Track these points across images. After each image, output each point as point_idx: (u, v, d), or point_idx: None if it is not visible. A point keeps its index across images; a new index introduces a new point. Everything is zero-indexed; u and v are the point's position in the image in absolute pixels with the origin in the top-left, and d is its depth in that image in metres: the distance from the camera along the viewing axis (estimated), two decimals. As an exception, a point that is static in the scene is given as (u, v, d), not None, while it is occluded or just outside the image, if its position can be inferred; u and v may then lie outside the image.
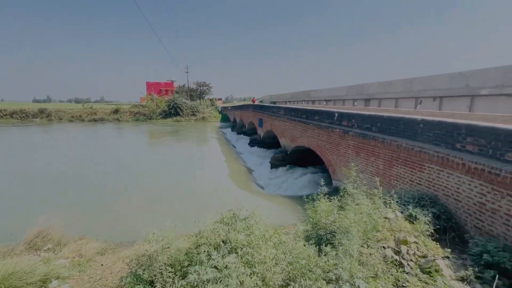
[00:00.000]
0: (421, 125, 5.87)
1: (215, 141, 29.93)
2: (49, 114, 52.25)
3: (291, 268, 2.95)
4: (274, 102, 48.71)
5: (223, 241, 3.16)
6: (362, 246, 3.33)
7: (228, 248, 3.03)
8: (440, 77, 15.20)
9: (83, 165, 17.32)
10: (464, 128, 4.81)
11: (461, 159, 4.61)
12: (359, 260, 3.10)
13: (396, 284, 3.01)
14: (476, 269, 3.31)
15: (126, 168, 16.64)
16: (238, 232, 3.30)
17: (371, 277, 2.95)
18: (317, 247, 3.31)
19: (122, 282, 3.43)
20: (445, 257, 3.53)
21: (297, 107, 15.92)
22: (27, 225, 6.11)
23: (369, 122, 7.85)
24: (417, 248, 3.51)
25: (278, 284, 2.78)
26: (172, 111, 52.58)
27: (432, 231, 3.86)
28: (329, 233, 3.61)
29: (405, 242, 3.49)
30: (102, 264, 4.81)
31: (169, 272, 2.91)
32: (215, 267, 2.73)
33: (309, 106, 21.71)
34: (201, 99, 71.07)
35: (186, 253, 3.16)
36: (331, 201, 4.28)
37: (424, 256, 3.40)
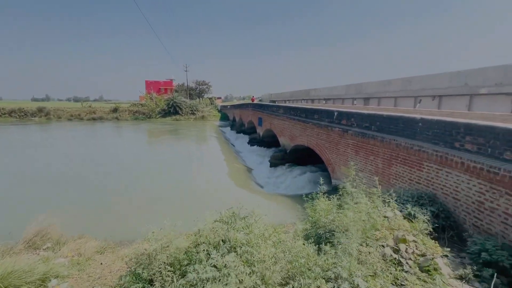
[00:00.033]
0: (420, 124, 5.88)
1: (214, 140, 29.91)
2: (48, 113, 52.11)
3: (290, 267, 2.95)
4: (274, 101, 48.69)
5: (222, 240, 3.16)
6: (361, 245, 3.33)
7: (228, 247, 3.03)
8: (439, 76, 15.21)
9: (82, 164, 17.29)
10: (463, 127, 4.82)
11: (460, 158, 4.62)
12: (358, 259, 3.11)
13: (395, 283, 3.02)
14: (475, 267, 3.33)
15: (125, 167, 16.62)
16: (237, 231, 3.30)
17: (370, 275, 2.96)
18: (317, 246, 3.32)
19: (122, 281, 3.43)
20: (443, 255, 3.55)
21: (297, 106, 15.91)
22: (26, 224, 6.11)
23: (368, 121, 7.85)
24: (416, 246, 3.52)
25: (278, 283, 2.79)
26: (172, 110, 52.51)
27: (431, 229, 3.87)
28: (328, 232, 3.62)
29: (404, 241, 3.50)
30: (101, 263, 4.81)
31: (168, 271, 2.91)
32: (215, 266, 2.73)
33: (309, 105, 21.72)
34: (201, 98, 71.03)
35: (186, 252, 3.17)
36: (330, 200, 4.29)
37: (423, 255, 3.41)
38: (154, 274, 2.90)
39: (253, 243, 3.11)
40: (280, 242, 3.41)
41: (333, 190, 8.12)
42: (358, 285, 2.73)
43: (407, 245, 3.47)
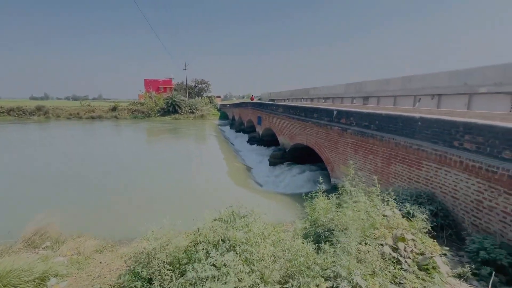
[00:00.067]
0: (419, 123, 5.88)
1: (213, 139, 29.89)
2: (46, 112, 51.94)
3: (289, 266, 2.96)
4: (273, 100, 48.64)
5: (222, 239, 3.16)
6: (360, 244, 3.34)
7: (227, 246, 3.03)
8: (438, 75, 15.20)
9: (81, 163, 17.27)
10: (462, 126, 4.82)
11: (459, 157, 4.63)
12: (357, 258, 3.12)
13: (394, 281, 3.03)
14: (473, 266, 3.34)
15: (125, 166, 16.60)
16: (236, 230, 3.30)
17: (369, 274, 2.97)
18: (316, 244, 3.33)
19: (121, 279, 3.43)
20: (442, 254, 3.56)
21: (296, 104, 15.92)
22: (25, 223, 6.10)
23: (368, 120, 7.86)
24: (415, 245, 3.53)
25: (277, 281, 2.79)
26: (171, 109, 52.41)
27: (430, 228, 3.88)
28: (327, 231, 3.63)
29: (403, 240, 3.51)
30: (100, 262, 4.81)
31: (167, 269, 2.91)
32: (214, 265, 2.74)
33: (308, 104, 21.72)
34: (200, 97, 70.92)
35: (185, 251, 3.16)
36: (329, 199, 4.30)
37: (422, 253, 3.42)
38: (153, 273, 2.90)
39: (252, 242, 3.11)
40: (280, 241, 3.41)
41: (332, 189, 8.13)
42: (357, 283, 2.73)
43: (406, 244, 3.48)
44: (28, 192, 11.44)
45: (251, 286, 2.63)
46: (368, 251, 3.23)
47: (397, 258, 3.33)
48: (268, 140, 21.07)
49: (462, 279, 3.23)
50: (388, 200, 4.21)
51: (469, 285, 3.14)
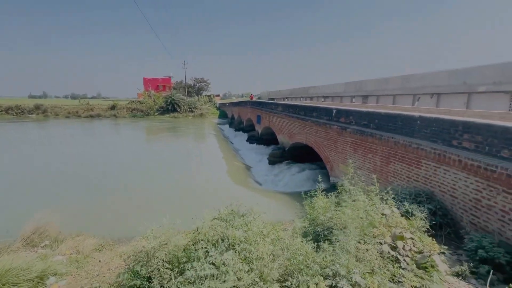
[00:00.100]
0: (418, 122, 5.89)
1: (213, 137, 29.87)
2: (45, 110, 51.76)
3: (288, 264, 2.96)
4: (272, 99, 48.61)
5: (221, 238, 3.16)
6: (359, 242, 3.35)
7: (226, 245, 3.03)
8: (437, 74, 15.22)
9: (80, 162, 17.22)
10: (461, 125, 4.83)
11: (458, 155, 4.64)
12: (356, 256, 3.12)
13: (392, 280, 3.04)
14: (471, 264, 3.36)
15: (124, 165, 16.58)
16: (236, 228, 3.30)
17: (367, 272, 2.97)
18: (315, 243, 3.33)
19: (120, 278, 3.43)
20: (441, 252, 3.57)
21: (295, 103, 15.90)
22: (24, 222, 6.08)
23: (367, 119, 7.86)
24: (413, 244, 3.54)
25: (276, 280, 2.80)
26: (170, 108, 52.30)
27: (428, 227, 3.89)
28: (326, 229, 3.63)
29: (402, 238, 3.52)
30: (99, 261, 4.80)
31: (166, 268, 2.91)
32: (213, 264, 2.74)
33: (307, 103, 21.72)
34: (199, 96, 70.78)
35: (184, 250, 3.16)
36: (328, 198, 4.30)
37: (420, 252, 3.43)
38: (152, 272, 2.90)
39: (251, 240, 3.11)
40: (279, 239, 3.41)
41: (332, 187, 8.15)
42: (356, 282, 2.74)
43: (404, 242, 3.49)
44: (27, 191, 11.41)
45: (250, 284, 2.63)
46: (367, 250, 3.24)
47: (396, 257, 3.34)
48: (268, 139, 21.08)
49: (461, 278, 3.24)
50: (387, 198, 4.22)
51: (467, 284, 3.15)
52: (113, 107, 53.80)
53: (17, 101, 62.58)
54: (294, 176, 13.24)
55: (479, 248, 3.52)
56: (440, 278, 3.05)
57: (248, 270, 2.74)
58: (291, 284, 2.73)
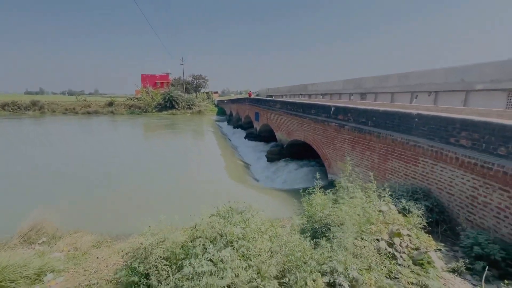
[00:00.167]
0: (416, 119, 5.90)
1: (211, 134, 29.81)
2: (42, 107, 51.37)
3: (286, 261, 2.98)
4: (271, 96, 48.51)
5: (219, 235, 3.17)
6: (356, 239, 3.37)
7: (224, 242, 3.04)
8: (435, 71, 15.24)
9: (78, 159, 17.15)
10: (459, 123, 4.85)
11: (455, 153, 4.66)
12: (353, 253, 3.14)
13: (389, 276, 3.07)
14: (467, 260, 3.39)
15: (121, 162, 16.52)
16: (234, 225, 3.31)
17: (365, 269, 3.00)
18: (313, 240, 3.35)
19: (118, 275, 3.43)
20: (437, 249, 3.60)
21: (294, 100, 15.88)
22: (21, 219, 6.05)
23: (365, 116, 7.87)
24: (410, 240, 3.57)
25: (274, 276, 2.81)
26: (168, 104, 52.05)
27: (425, 224, 3.92)
28: (324, 226, 3.65)
29: (399, 235, 3.55)
30: (97, 257, 4.80)
31: (164, 265, 2.91)
32: (211, 260, 2.74)
33: (306, 100, 21.68)
34: (197, 92, 70.43)
35: (182, 247, 3.17)
36: (326, 195, 4.32)
37: (417, 249, 3.46)
38: (150, 268, 2.90)
39: (249, 237, 3.12)
40: (277, 236, 3.43)
41: (329, 184, 8.17)
42: (353, 278, 2.76)
43: (401, 239, 3.52)
44: (24, 188, 11.36)
45: (248, 281, 2.64)
46: (364, 246, 3.26)
47: (393, 253, 3.36)
48: (266, 136, 21.06)
49: (456, 274, 3.28)
50: (384, 196, 4.25)
51: (463, 280, 3.19)
52: (110, 104, 53.46)
53: (14, 97, 62.06)
54: (292, 173, 13.27)
55: (475, 244, 3.56)
56: (436, 274, 3.08)
57: (246, 267, 2.75)
58: (289, 280, 2.74)
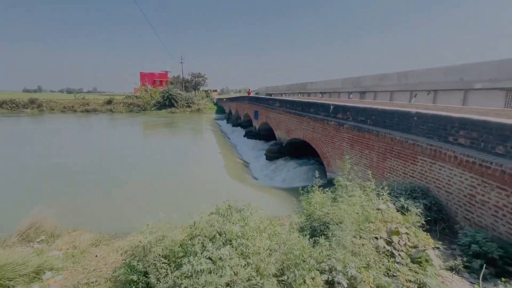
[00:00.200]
0: (415, 118, 5.91)
1: (210, 133, 29.78)
2: (40, 105, 51.11)
3: (285, 259, 2.98)
4: (270, 94, 48.46)
5: (218, 233, 3.17)
6: (355, 237, 3.38)
7: (223, 240, 3.04)
8: (434, 70, 15.25)
9: (76, 157, 17.10)
10: (458, 122, 4.86)
11: (453, 152, 4.67)
12: (352, 251, 3.15)
13: (387, 274, 3.08)
14: (465, 258, 3.41)
15: (121, 160, 16.50)
16: (233, 223, 3.31)
17: (363, 267, 3.01)
18: (312, 238, 3.36)
19: (116, 273, 3.44)
20: (435, 247, 3.62)
21: (293, 99, 15.86)
22: (19, 217, 6.04)
23: (364, 115, 7.87)
24: (408, 238, 3.58)
25: (272, 274, 2.82)
26: (167, 103, 51.90)
27: (423, 222, 3.94)
28: (322, 225, 3.66)
29: (397, 233, 3.56)
30: (96, 256, 4.80)
31: (163, 263, 2.92)
32: (210, 259, 2.75)
33: (305, 99, 21.68)
34: (196, 91, 70.27)
35: (181, 245, 3.17)
36: (325, 193, 4.32)
37: (415, 247, 3.47)
38: (149, 267, 2.90)
39: (248, 235, 3.13)
40: (276, 234, 3.43)
41: (328, 183, 8.19)
42: (352, 276, 2.77)
43: (399, 237, 3.53)
44: (22, 186, 11.32)
45: (247, 279, 2.65)
46: (363, 245, 3.27)
47: (391, 251, 3.38)
48: (265, 134, 21.06)
49: (454, 272, 3.30)
50: (383, 194, 4.26)
51: (460, 278, 3.21)
52: (109, 102, 53.28)
53: (12, 95, 61.70)
54: (291, 171, 13.28)
55: (472, 243, 3.57)
56: (434, 272, 3.10)
57: (245, 265, 2.75)
58: (288, 278, 2.75)
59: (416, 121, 5.86)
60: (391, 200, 4.31)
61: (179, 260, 2.93)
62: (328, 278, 2.77)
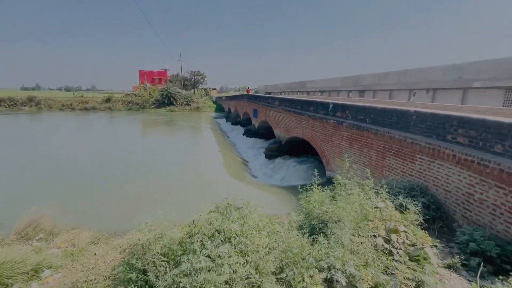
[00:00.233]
0: (414, 117, 5.92)
1: (209, 131, 29.74)
2: (38, 102, 50.84)
3: (284, 257, 2.99)
4: (269, 93, 48.39)
5: (217, 231, 3.17)
6: (353, 235, 3.39)
7: (222, 238, 3.04)
8: (433, 69, 15.26)
9: (75, 156, 17.05)
10: (456, 120, 4.87)
11: (452, 150, 4.68)
12: (351, 249, 3.16)
13: (386, 272, 3.09)
14: (463, 257, 3.43)
15: (119, 159, 16.48)
16: (232, 222, 3.31)
17: (362, 265, 3.02)
18: (310, 236, 3.36)
19: (115, 271, 3.44)
20: (433, 245, 3.63)
21: (292, 97, 15.86)
22: (18, 215, 6.03)
23: (363, 114, 7.88)
24: (407, 237, 3.59)
25: (271, 272, 2.82)
26: (166, 101, 51.74)
27: (422, 220, 3.95)
28: (321, 223, 3.66)
29: (396, 231, 3.57)
30: (95, 254, 4.80)
31: (162, 261, 2.92)
32: (209, 257, 2.75)
33: (304, 97, 21.66)
34: (195, 89, 70.11)
35: (180, 243, 3.17)
36: (324, 191, 4.33)
37: (413, 245, 3.48)
38: (147, 265, 2.90)
39: (247, 233, 3.13)
40: (274, 232, 3.43)
41: (327, 181, 8.20)
42: (350, 274, 2.78)
43: (398, 236, 3.54)
44: (21, 185, 11.29)
45: (246, 277, 2.65)
46: (361, 243, 3.28)
47: (390, 249, 3.39)
48: (264, 133, 21.06)
49: (452, 270, 3.31)
50: (381, 192, 4.26)
51: (458, 275, 3.22)
52: (108, 100, 53.07)
53: (10, 93, 61.33)
54: (290, 170, 13.30)
55: (470, 241, 3.59)
56: (432, 270, 3.11)
57: (244, 263, 2.76)
58: (287, 276, 2.76)
59: (415, 120, 5.86)
60: (389, 199, 4.32)
61: (178, 258, 2.94)
62: (327, 276, 2.78)
